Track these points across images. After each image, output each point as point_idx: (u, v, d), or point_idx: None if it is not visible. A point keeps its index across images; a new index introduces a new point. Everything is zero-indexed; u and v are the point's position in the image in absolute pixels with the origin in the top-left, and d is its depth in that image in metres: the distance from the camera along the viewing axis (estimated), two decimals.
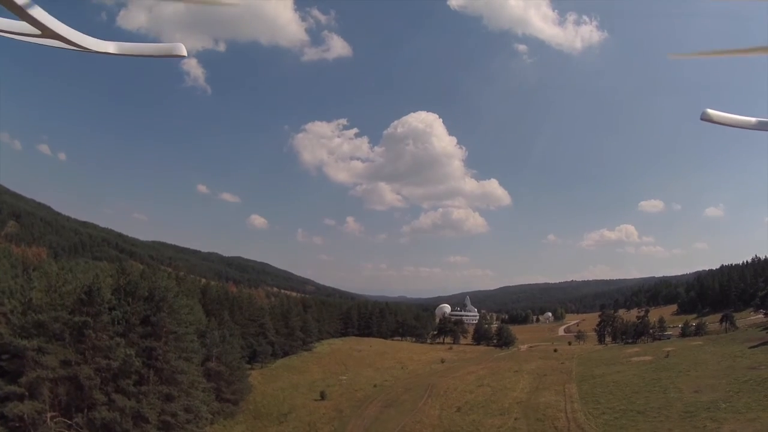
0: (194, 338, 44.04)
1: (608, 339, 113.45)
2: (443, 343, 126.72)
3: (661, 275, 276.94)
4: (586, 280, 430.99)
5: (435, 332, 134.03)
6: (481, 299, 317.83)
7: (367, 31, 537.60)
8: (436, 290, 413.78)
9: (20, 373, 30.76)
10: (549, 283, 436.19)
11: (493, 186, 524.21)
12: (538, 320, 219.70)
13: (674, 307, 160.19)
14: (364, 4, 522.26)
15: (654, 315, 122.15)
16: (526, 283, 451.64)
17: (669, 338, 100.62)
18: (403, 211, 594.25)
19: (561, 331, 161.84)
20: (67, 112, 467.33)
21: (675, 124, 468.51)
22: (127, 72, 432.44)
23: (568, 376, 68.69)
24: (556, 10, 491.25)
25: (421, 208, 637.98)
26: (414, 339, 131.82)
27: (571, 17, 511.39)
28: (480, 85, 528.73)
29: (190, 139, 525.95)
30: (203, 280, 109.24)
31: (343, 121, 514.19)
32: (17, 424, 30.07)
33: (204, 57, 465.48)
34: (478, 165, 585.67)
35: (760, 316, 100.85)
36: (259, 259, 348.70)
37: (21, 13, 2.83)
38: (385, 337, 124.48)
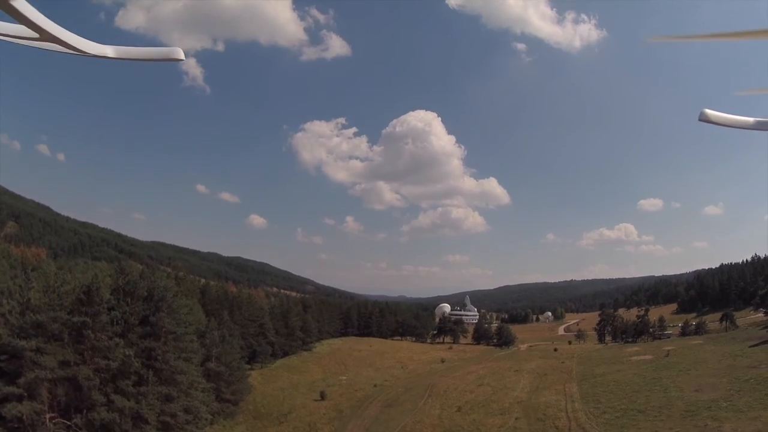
0: (194, 338, 43.87)
1: (608, 338, 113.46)
2: (443, 342, 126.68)
3: (660, 274, 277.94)
4: (585, 279, 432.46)
5: (435, 332, 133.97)
6: (480, 298, 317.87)
7: (366, 30, 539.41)
8: (436, 290, 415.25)
9: (19, 373, 30.57)
10: (548, 283, 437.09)
11: (492, 185, 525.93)
12: (537, 319, 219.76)
13: (674, 306, 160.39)
14: (363, 4, 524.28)
15: (654, 314, 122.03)
16: (526, 282, 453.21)
17: (669, 337, 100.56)
18: (402, 210, 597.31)
19: (561, 331, 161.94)
20: (65, 113, 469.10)
21: (674, 122, 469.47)
22: (126, 72, 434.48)
23: (569, 375, 68.62)
24: (554, 9, 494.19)
25: (420, 207, 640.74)
26: (414, 339, 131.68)
27: (570, 16, 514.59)
28: (479, 83, 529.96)
29: (189, 139, 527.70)
30: (203, 280, 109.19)
31: (342, 121, 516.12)
32: (16, 425, 29.90)
33: (203, 57, 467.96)
34: (477, 164, 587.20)
35: (760, 314, 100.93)
36: (258, 259, 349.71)
37: (19, 17, 2.76)
38: (384, 337, 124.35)
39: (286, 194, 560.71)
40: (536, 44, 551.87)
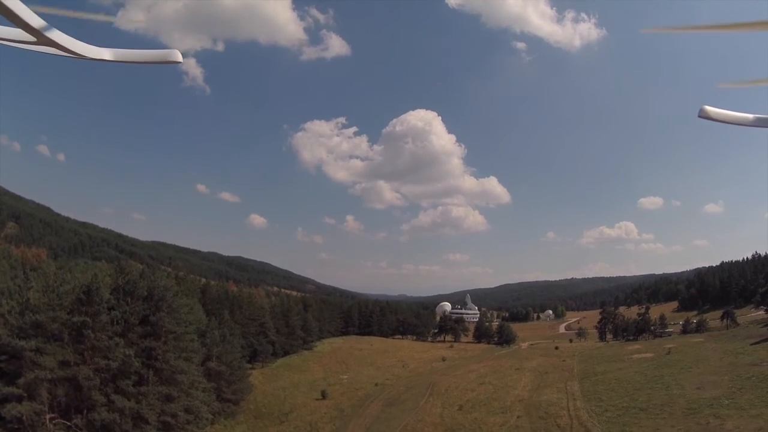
0: (194, 338, 43.72)
1: (609, 336, 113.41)
2: (444, 341, 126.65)
3: (661, 272, 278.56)
4: (586, 277, 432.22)
5: (436, 330, 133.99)
6: (481, 297, 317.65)
7: (366, 29, 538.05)
8: (436, 288, 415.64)
9: (18, 374, 30.44)
10: (549, 281, 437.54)
11: (493, 184, 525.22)
12: (538, 318, 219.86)
13: (675, 304, 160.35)
14: (363, 4, 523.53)
15: (654, 312, 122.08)
16: (526, 280, 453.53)
17: (670, 335, 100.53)
18: (403, 209, 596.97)
19: (562, 329, 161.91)
20: (65, 113, 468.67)
21: (674, 121, 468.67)
22: (126, 72, 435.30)
23: (570, 373, 68.55)
24: (554, 8, 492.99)
25: (421, 206, 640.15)
26: (415, 337, 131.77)
27: (570, 15, 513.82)
28: (479, 82, 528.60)
29: (189, 139, 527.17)
30: (203, 280, 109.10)
31: (342, 120, 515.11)
32: (16, 426, 29.77)
33: (202, 57, 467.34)
34: (478, 163, 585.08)
35: (761, 312, 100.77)
36: (259, 259, 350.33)
37: (16, 20, 2.75)
38: (385, 336, 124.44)
39: (286, 194, 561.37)
40: (536, 43, 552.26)
